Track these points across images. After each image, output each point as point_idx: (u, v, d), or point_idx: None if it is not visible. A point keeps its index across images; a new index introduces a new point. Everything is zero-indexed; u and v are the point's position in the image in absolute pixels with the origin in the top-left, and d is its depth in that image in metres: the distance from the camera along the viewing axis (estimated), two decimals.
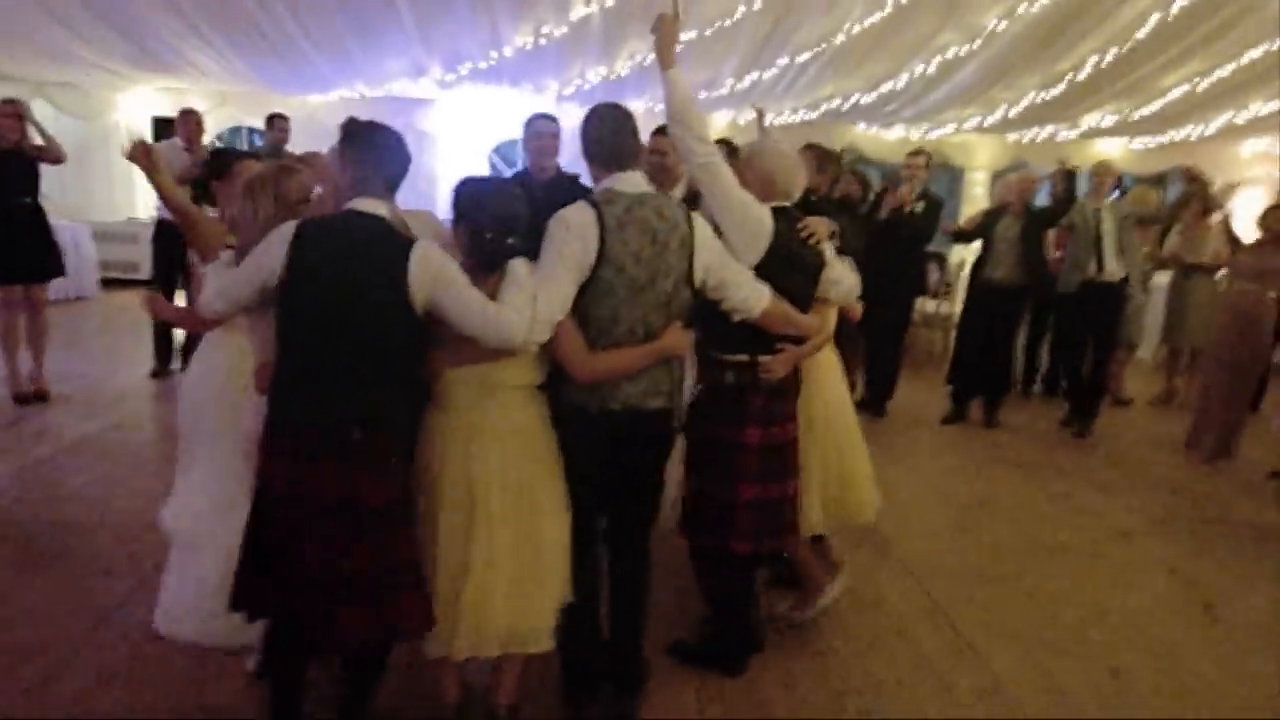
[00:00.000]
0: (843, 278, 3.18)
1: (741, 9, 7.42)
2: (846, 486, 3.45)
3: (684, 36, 7.89)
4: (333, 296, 2.26)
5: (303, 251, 2.29)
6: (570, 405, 2.61)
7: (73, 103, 10.71)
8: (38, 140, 6.06)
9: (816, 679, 3.18)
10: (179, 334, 6.94)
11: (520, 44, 8.15)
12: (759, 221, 2.80)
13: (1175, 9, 7.20)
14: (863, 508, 3.52)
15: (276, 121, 7.32)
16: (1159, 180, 10.72)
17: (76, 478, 4.66)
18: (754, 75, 8.78)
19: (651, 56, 8.26)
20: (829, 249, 3.09)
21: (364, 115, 2.49)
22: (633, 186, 2.61)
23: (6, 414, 5.70)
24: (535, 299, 2.38)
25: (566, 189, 3.85)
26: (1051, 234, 6.90)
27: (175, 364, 6.91)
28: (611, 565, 2.88)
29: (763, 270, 2.79)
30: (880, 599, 3.82)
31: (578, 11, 7.55)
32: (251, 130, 12.26)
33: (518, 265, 2.44)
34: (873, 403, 6.75)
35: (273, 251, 2.32)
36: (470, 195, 2.46)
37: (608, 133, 2.63)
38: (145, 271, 9.62)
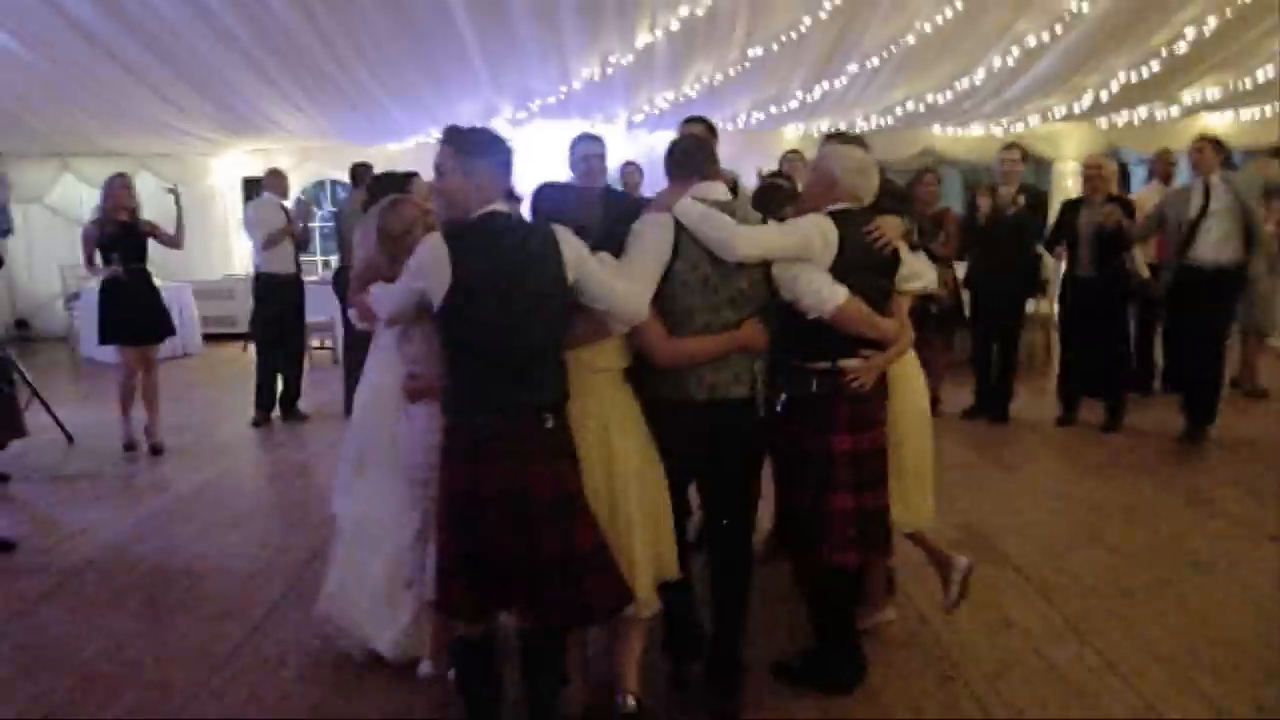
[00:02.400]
0: (919, 272, 3.16)
1: (807, 20, 7.29)
2: (908, 492, 3.25)
3: (750, 52, 7.81)
4: (507, 297, 2.34)
5: (465, 262, 2.33)
6: (657, 399, 2.74)
7: (171, 171, 11.27)
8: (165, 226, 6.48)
9: (947, 704, 2.96)
10: (279, 385, 7.16)
11: (588, 76, 8.19)
12: (822, 236, 2.78)
13: None
14: (919, 515, 3.30)
15: (361, 171, 7.50)
16: (1276, 151, 10.03)
17: (189, 527, 4.81)
18: (824, 85, 8.61)
19: (719, 75, 8.25)
20: (903, 246, 3.05)
21: None
22: (712, 194, 2.76)
23: (122, 467, 5.96)
24: (632, 276, 2.57)
25: (615, 200, 3.84)
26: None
27: (276, 413, 7.12)
28: (713, 575, 2.96)
29: (833, 273, 2.78)
30: (1008, 619, 3.56)
31: (643, 39, 7.54)
32: (334, 183, 12.69)
33: (604, 257, 2.59)
34: (992, 408, 6.50)
35: (429, 269, 2.36)
36: (550, 197, 2.67)
37: (690, 146, 2.87)
38: (243, 324, 9.97)
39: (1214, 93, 9.07)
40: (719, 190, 2.78)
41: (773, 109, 9.10)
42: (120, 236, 6.08)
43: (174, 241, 6.47)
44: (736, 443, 2.81)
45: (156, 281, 6.45)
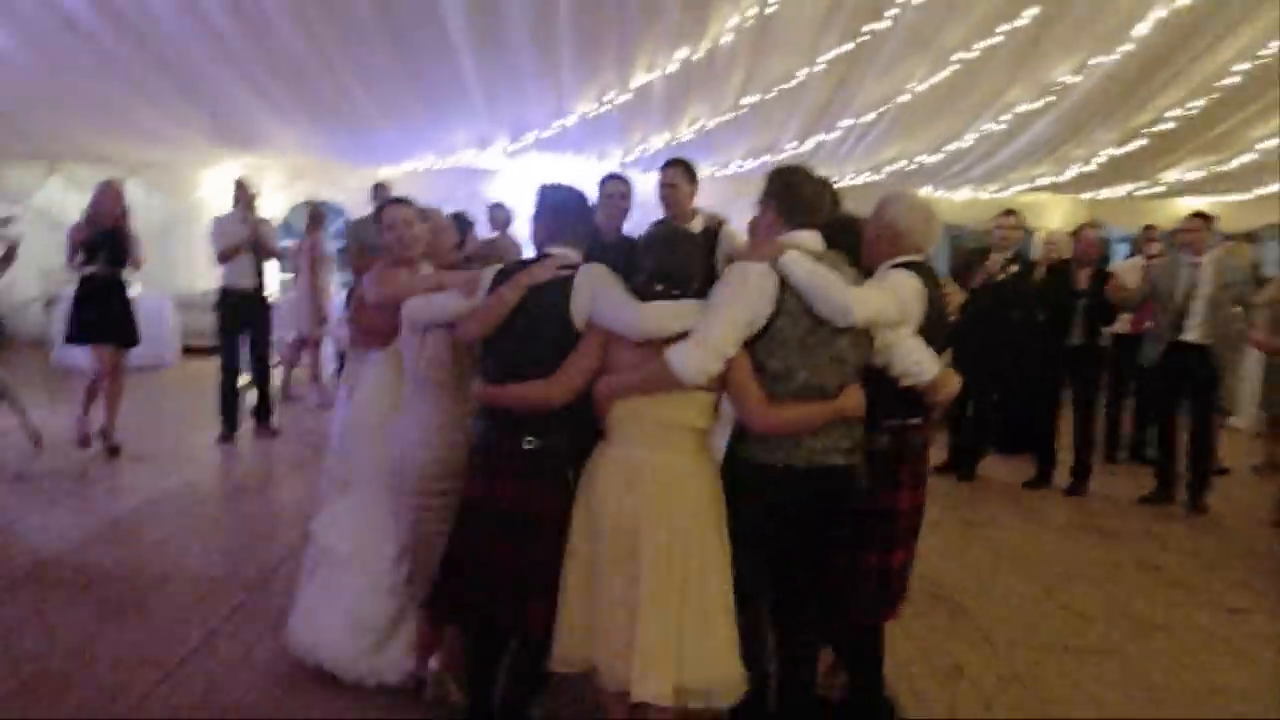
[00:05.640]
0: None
1: (804, 71, 7.44)
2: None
3: (745, 100, 7.96)
4: (519, 325, 2.60)
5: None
6: (750, 463, 2.55)
7: (162, 181, 11.23)
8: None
9: None
10: (247, 399, 7.06)
11: (583, 112, 8.31)
12: (918, 297, 2.68)
13: (1263, 56, 6.96)
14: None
15: (380, 190, 7.53)
16: (1249, 237, 10.25)
17: (152, 532, 4.73)
18: (817, 137, 8.76)
19: (712, 121, 8.38)
20: None
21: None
22: (809, 245, 2.57)
23: (87, 470, 5.86)
24: (706, 326, 2.41)
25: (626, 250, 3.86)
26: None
27: (242, 429, 6.98)
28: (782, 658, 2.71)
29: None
30: (958, 667, 3.52)
31: (640, 78, 7.67)
32: (322, 204, 12.68)
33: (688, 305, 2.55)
34: (962, 466, 6.50)
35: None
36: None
37: (808, 193, 2.62)
38: None
39: (1194, 175, 9.28)
40: (815, 241, 2.59)
41: (766, 158, 9.23)
42: (105, 241, 6.14)
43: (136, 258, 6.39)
44: (829, 514, 2.60)
45: (133, 291, 6.42)
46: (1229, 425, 7.63)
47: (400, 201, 3.28)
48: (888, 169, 9.43)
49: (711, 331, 2.39)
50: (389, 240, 3.13)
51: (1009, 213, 6.39)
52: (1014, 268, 6.16)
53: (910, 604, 3.66)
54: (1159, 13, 6.70)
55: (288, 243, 8.91)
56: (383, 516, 3.07)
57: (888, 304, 2.57)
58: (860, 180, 9.92)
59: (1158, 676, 3.55)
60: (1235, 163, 8.92)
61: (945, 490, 6.15)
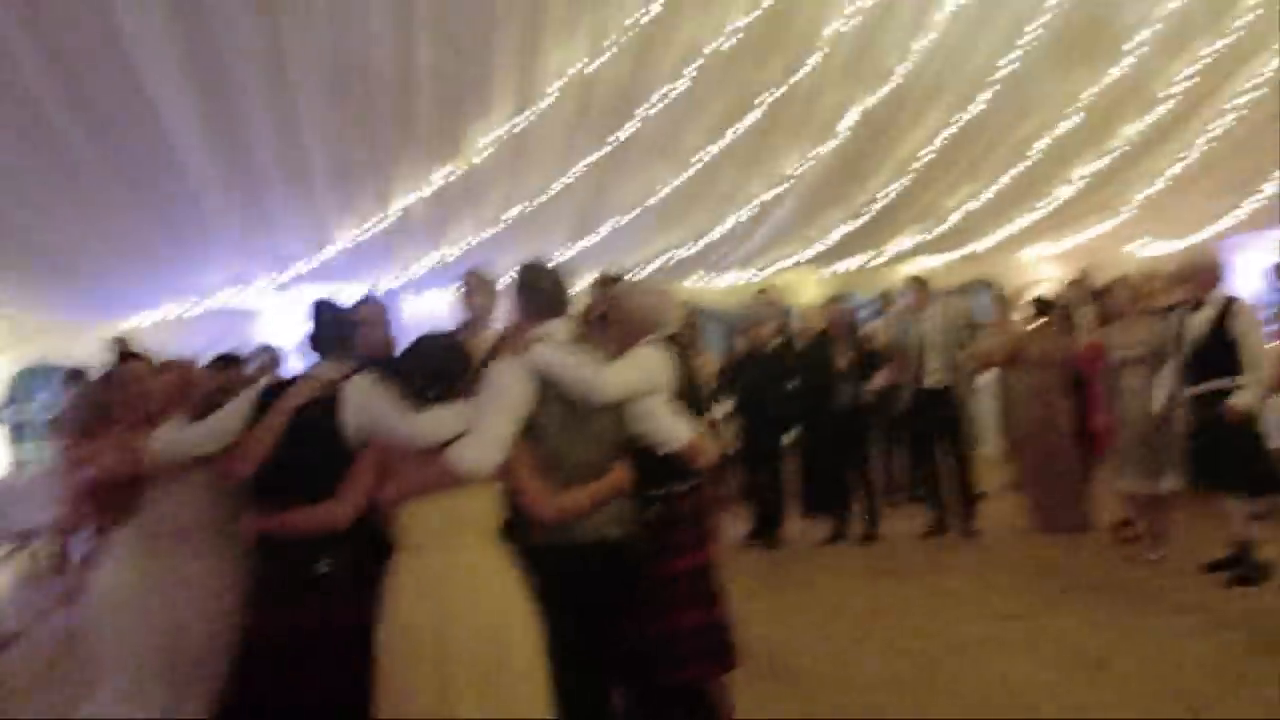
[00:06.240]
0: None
1: (561, 180, 7.79)
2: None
3: (507, 215, 8.19)
4: (289, 445, 2.60)
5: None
6: (537, 546, 2.63)
7: None
8: None
9: None
10: None
11: (346, 241, 8.17)
12: (665, 369, 2.88)
13: (940, 141, 8.19)
14: None
15: (120, 345, 6.77)
16: (962, 290, 11.70)
17: None
18: (583, 241, 9.11)
19: (478, 238, 8.50)
20: None
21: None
22: (557, 335, 2.79)
23: None
24: (481, 422, 2.54)
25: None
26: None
27: None
28: None
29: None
30: None
31: (398, 202, 7.70)
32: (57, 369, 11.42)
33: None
34: (763, 533, 6.74)
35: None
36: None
37: (548, 285, 2.85)
38: None
39: (912, 241, 10.58)
40: (562, 329, 2.82)
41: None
42: None
43: None
44: (617, 585, 2.74)
45: None
46: (979, 453, 8.53)
47: (131, 356, 3.19)
48: (656, 262, 9.96)
49: (486, 425, 2.53)
50: (116, 401, 3.05)
51: (761, 292, 7.13)
52: (777, 340, 6.69)
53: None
54: (857, 109, 7.75)
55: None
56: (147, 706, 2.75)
57: (635, 377, 2.79)
58: (632, 275, 10.37)
59: (967, 691, 3.85)
60: (940, 229, 10.27)
61: (756, 559, 6.39)
